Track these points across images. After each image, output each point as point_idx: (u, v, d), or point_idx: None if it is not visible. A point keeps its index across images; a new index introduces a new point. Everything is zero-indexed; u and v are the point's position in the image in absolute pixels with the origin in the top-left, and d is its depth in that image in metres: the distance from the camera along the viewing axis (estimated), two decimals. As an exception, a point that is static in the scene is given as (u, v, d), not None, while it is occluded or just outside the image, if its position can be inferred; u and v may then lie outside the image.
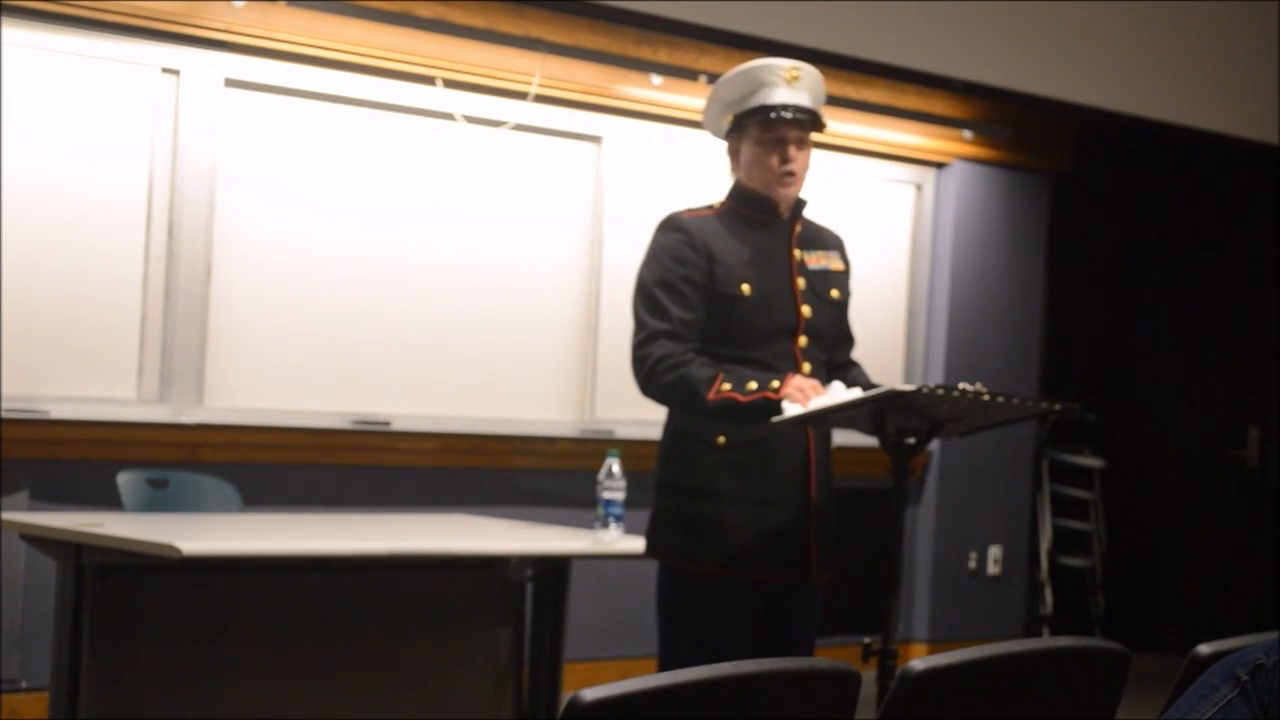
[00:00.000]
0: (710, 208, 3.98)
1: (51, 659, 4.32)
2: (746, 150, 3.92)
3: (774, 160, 3.88)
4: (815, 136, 3.98)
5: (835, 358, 4.06)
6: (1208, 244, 8.69)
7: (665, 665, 3.89)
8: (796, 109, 3.88)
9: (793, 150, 3.89)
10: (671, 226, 3.92)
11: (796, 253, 3.97)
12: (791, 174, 3.90)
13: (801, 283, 3.95)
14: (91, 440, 5.61)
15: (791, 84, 3.89)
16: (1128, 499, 8.78)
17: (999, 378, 7.67)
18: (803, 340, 3.92)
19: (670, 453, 3.94)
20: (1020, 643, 2.31)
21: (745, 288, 3.87)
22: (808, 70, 3.94)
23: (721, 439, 3.85)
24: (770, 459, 3.87)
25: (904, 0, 6.56)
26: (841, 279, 4.05)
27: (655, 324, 3.83)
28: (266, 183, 6.03)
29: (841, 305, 4.05)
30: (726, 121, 3.95)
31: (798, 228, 3.99)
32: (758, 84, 3.89)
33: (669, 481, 3.92)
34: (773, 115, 3.87)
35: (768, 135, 3.89)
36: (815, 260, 4.00)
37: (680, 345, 3.81)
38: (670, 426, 3.95)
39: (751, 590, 3.86)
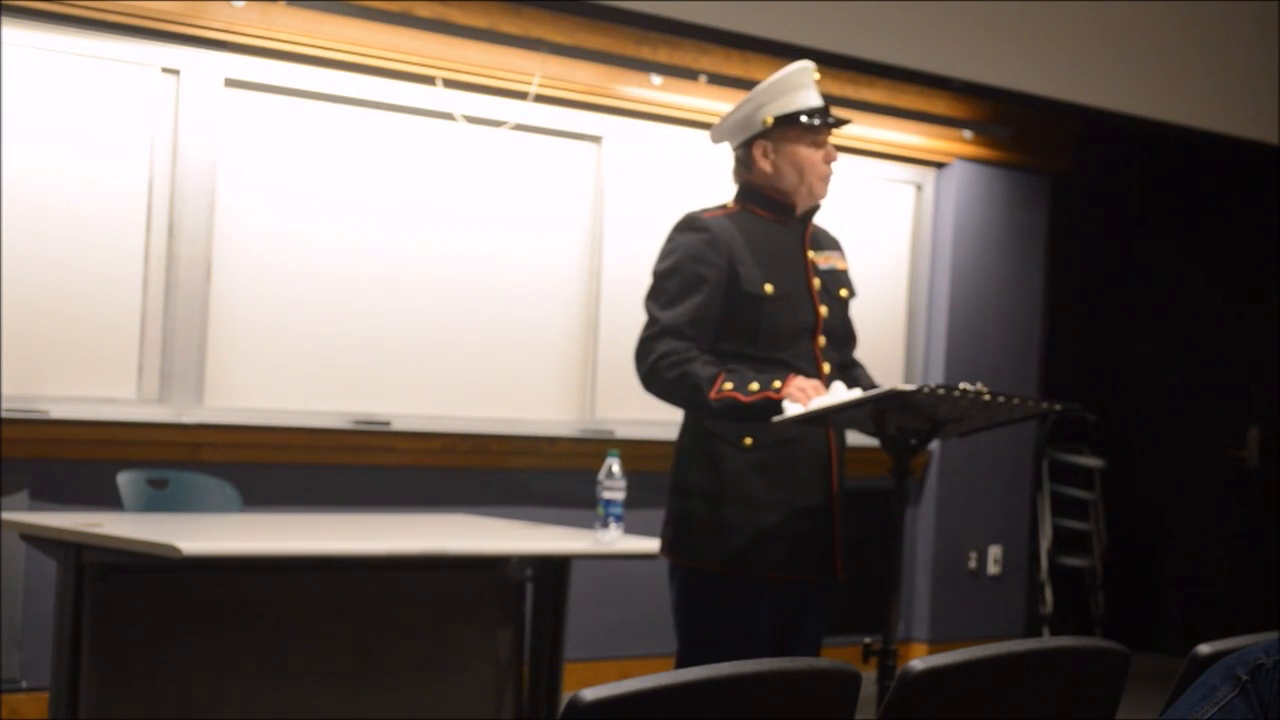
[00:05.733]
0: (724, 208, 3.99)
1: (51, 659, 4.32)
2: (787, 151, 3.95)
3: (819, 160, 3.97)
4: None
5: (840, 357, 4.07)
6: (1208, 244, 8.69)
7: (687, 667, 3.88)
8: (829, 111, 3.99)
9: (831, 150, 4.00)
10: (693, 226, 3.92)
11: (810, 253, 4.00)
12: (831, 173, 3.98)
13: (817, 283, 3.98)
14: (91, 440, 5.61)
15: (815, 87, 3.99)
16: (1128, 499, 8.77)
17: (999, 378, 7.67)
18: (821, 340, 3.95)
19: (693, 454, 3.93)
20: (1020, 643, 2.31)
21: (769, 287, 3.89)
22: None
23: (749, 440, 3.86)
24: (797, 459, 3.90)
25: (904, 0, 6.56)
26: (846, 279, 4.09)
27: (664, 320, 3.84)
28: (266, 183, 6.03)
29: (848, 305, 4.09)
30: (766, 122, 3.96)
31: (809, 229, 4.02)
32: (797, 86, 3.97)
33: (693, 483, 3.91)
34: (820, 119, 3.96)
35: (813, 137, 3.96)
36: (824, 260, 4.04)
37: (685, 343, 3.82)
38: (692, 428, 3.95)
39: (776, 590, 3.88)
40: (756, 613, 3.87)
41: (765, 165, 3.97)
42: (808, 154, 3.96)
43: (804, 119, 3.95)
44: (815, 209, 4.03)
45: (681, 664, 3.91)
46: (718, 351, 3.86)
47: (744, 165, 4.01)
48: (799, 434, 3.87)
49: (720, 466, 3.88)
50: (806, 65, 3.99)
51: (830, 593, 4.01)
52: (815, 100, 3.98)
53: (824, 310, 3.97)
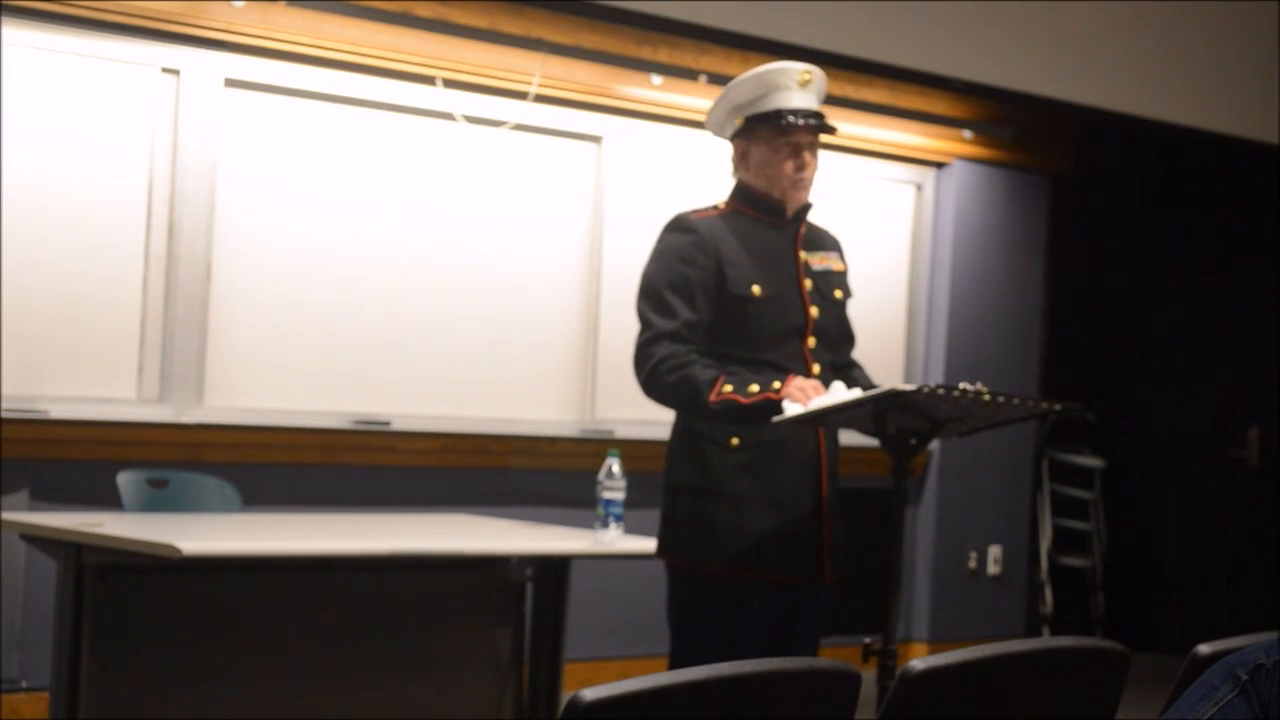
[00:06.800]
0: (715, 208, 3.98)
1: (51, 659, 4.32)
2: (758, 153, 3.92)
3: (788, 165, 3.91)
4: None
5: (837, 358, 4.07)
6: (1207, 244, 8.69)
7: (677, 667, 3.88)
8: (812, 114, 3.90)
9: (806, 155, 3.91)
10: (680, 227, 3.91)
11: (802, 254, 3.98)
12: (805, 179, 3.92)
13: (808, 284, 3.96)
14: (91, 440, 5.61)
15: (804, 88, 3.92)
16: (1128, 499, 8.77)
17: (999, 378, 7.67)
18: (811, 341, 3.94)
19: (681, 454, 3.93)
20: (1020, 643, 2.31)
21: (756, 289, 3.88)
22: (818, 73, 3.96)
23: (735, 440, 3.86)
24: (783, 460, 3.89)
25: (904, 0, 6.56)
26: (843, 279, 4.07)
27: (660, 324, 3.84)
28: (266, 183, 6.03)
29: (844, 306, 4.07)
30: (737, 123, 3.94)
31: (802, 229, 4.00)
32: (771, 87, 3.90)
33: (681, 483, 3.92)
34: (789, 121, 3.88)
35: (781, 140, 3.90)
36: (818, 261, 4.02)
37: (684, 346, 3.82)
38: (681, 428, 3.95)
39: (764, 591, 3.87)
40: (745, 613, 3.87)
41: (743, 165, 3.97)
42: (776, 159, 3.90)
43: (770, 123, 3.89)
44: (807, 209, 4.01)
45: (672, 663, 3.92)
46: (708, 353, 3.86)
47: (734, 162, 4.01)
48: (787, 435, 3.86)
49: (707, 466, 3.88)
50: (785, 67, 3.92)
51: (824, 594, 4.01)
52: (792, 102, 3.90)
53: (814, 311, 3.95)
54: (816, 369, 3.93)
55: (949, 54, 6.78)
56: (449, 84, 6.32)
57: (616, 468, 4.57)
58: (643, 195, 6.84)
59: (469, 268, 6.47)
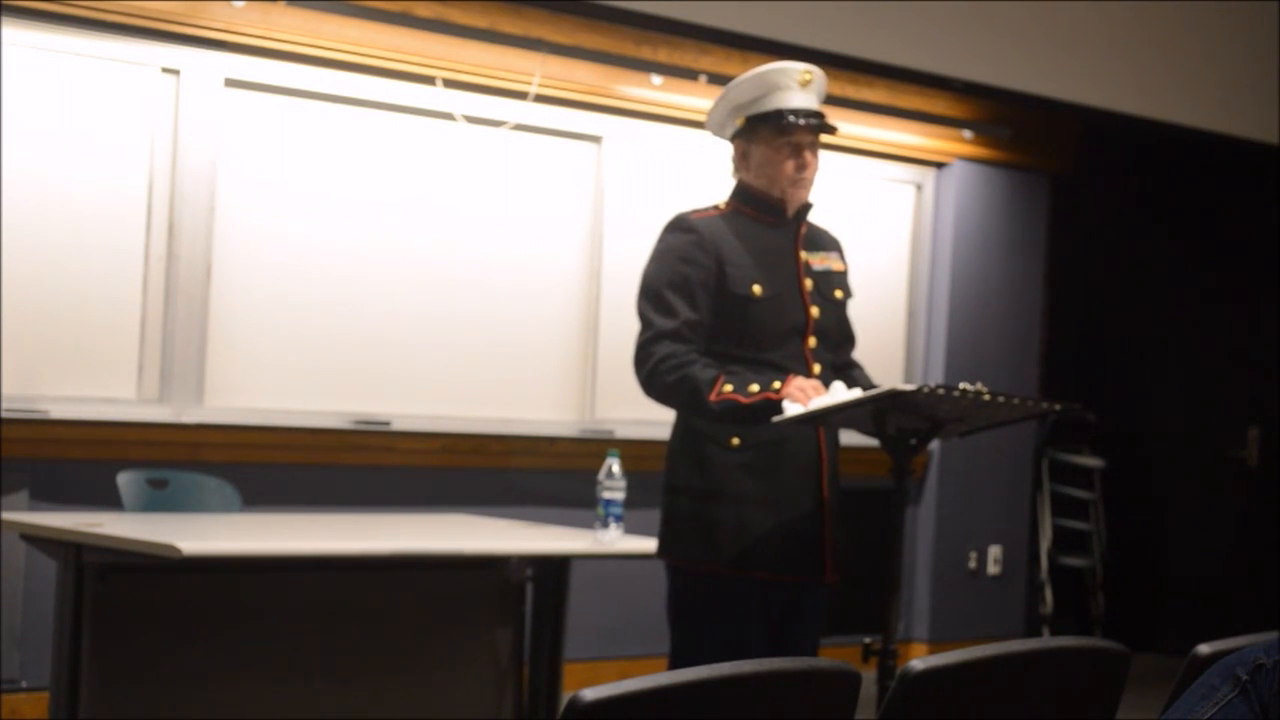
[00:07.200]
0: (716, 208, 3.98)
1: (51, 659, 4.32)
2: (758, 153, 3.93)
3: (789, 165, 3.91)
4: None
5: (837, 358, 4.07)
6: (1208, 244, 8.69)
7: (677, 667, 3.88)
8: (812, 114, 3.91)
9: (807, 155, 3.92)
10: (681, 227, 3.92)
11: (802, 254, 3.98)
12: (806, 179, 3.93)
13: (809, 284, 3.97)
14: (91, 440, 5.61)
15: (804, 88, 3.93)
16: (1128, 499, 8.77)
17: (999, 378, 7.67)
18: (812, 341, 3.94)
19: (682, 454, 3.94)
20: (1020, 643, 2.31)
21: (757, 289, 3.88)
22: (818, 73, 3.97)
23: (735, 440, 3.86)
24: (784, 460, 3.89)
25: (904, 0, 6.56)
26: (843, 279, 4.08)
27: (661, 324, 3.84)
28: (266, 183, 6.03)
29: (844, 306, 4.08)
30: (737, 123, 3.95)
31: (802, 229, 4.01)
32: (772, 87, 3.91)
33: (681, 483, 3.92)
34: (790, 121, 3.88)
35: (782, 139, 3.90)
36: (818, 261, 4.02)
37: (684, 346, 3.82)
38: (681, 428, 3.95)
39: (765, 591, 3.88)
40: (746, 613, 3.87)
41: (743, 165, 3.97)
42: (777, 159, 3.91)
43: (771, 123, 3.90)
44: (807, 209, 4.01)
45: (672, 663, 3.92)
46: (708, 353, 3.86)
47: (734, 163, 4.02)
48: (787, 435, 3.86)
49: (707, 466, 3.88)
50: (785, 67, 3.93)
51: (824, 594, 4.01)
52: (793, 102, 3.90)
53: (815, 311, 3.95)
54: (817, 369, 3.94)
55: (949, 54, 6.78)
56: (449, 84, 6.32)
57: (616, 468, 4.57)
58: (643, 195, 6.84)
59: (469, 268, 6.47)
